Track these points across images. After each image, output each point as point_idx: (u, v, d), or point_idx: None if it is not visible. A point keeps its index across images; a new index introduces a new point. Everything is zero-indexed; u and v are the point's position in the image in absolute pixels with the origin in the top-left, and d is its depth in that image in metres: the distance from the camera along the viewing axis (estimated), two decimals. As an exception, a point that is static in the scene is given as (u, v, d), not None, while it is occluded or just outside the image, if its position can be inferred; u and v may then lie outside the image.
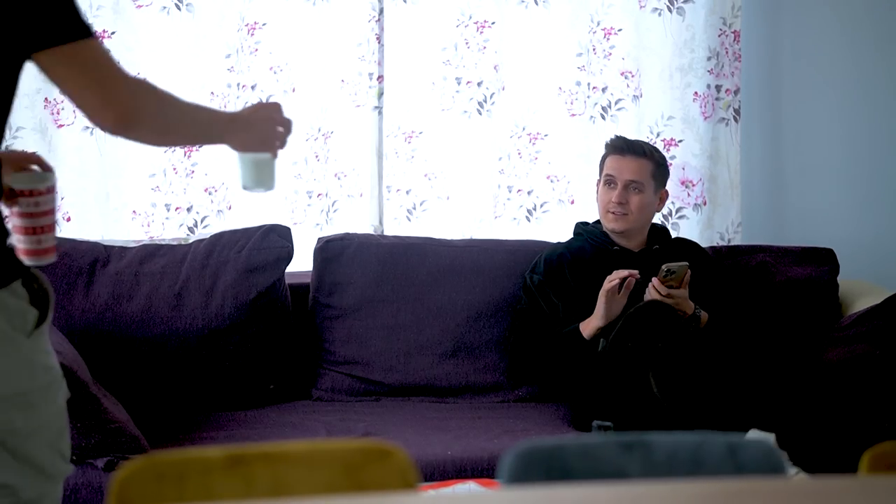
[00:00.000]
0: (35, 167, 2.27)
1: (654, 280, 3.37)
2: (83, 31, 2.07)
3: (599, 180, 3.61)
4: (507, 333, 3.63)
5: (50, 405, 2.09)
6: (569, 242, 3.65)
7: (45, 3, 2.03)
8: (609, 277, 3.38)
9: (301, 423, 3.37)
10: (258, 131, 2.34)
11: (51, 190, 2.19)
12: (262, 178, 2.38)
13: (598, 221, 3.65)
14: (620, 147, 3.57)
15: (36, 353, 2.07)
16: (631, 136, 3.73)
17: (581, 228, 3.67)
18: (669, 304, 3.34)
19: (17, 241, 2.17)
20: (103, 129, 2.10)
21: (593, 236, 3.61)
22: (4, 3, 2.01)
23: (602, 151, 4.04)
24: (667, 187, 3.63)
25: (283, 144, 2.37)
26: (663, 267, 3.37)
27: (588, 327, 3.41)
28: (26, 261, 2.14)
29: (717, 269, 3.66)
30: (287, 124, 2.37)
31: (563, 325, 3.48)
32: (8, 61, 2.05)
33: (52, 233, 2.20)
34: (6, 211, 2.16)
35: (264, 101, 2.32)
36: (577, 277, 3.53)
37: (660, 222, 3.87)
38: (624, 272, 3.37)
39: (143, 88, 2.14)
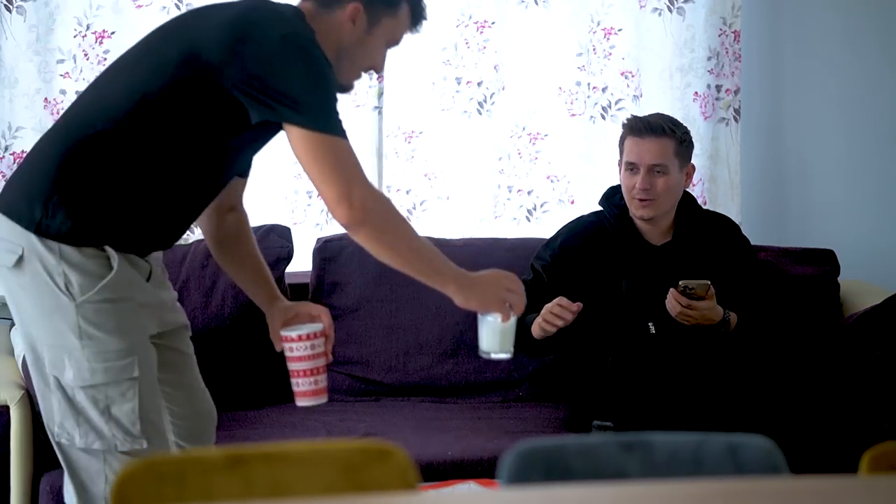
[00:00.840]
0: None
1: (673, 292, 3.22)
2: (330, 126, 2.41)
3: (620, 161, 3.39)
4: None
5: None
6: (590, 221, 3.43)
7: (303, 87, 2.39)
8: (549, 318, 3.12)
9: (301, 423, 3.37)
10: (483, 292, 2.54)
11: (318, 335, 2.57)
12: (504, 345, 2.57)
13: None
14: (638, 128, 3.35)
15: None
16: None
17: (606, 205, 3.44)
18: (692, 318, 3.19)
19: (294, 384, 2.56)
20: (338, 221, 2.43)
21: (616, 220, 3.40)
22: (273, 69, 2.38)
23: (603, 151, 4.05)
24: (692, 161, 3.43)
25: (513, 312, 2.55)
26: (680, 283, 3.20)
27: (536, 328, 3.21)
28: (303, 402, 2.58)
29: (749, 260, 3.47)
30: (518, 293, 2.56)
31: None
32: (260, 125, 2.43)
33: (325, 374, 2.57)
34: (287, 352, 2.57)
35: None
36: (591, 264, 3.37)
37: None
38: (559, 321, 3.10)
39: (381, 200, 2.47)
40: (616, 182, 3.49)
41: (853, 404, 3.34)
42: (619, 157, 3.42)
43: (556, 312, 3.13)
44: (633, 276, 3.34)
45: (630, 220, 3.40)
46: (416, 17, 2.69)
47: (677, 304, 3.20)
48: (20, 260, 2.39)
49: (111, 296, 2.40)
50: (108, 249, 2.41)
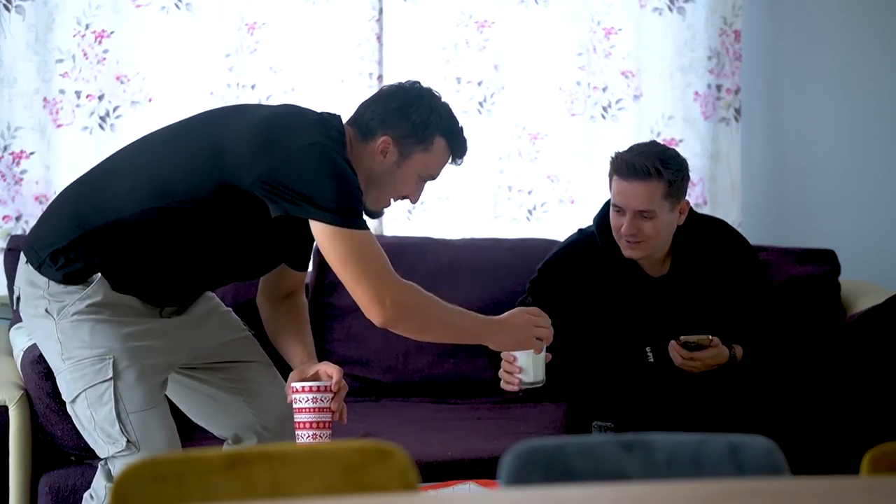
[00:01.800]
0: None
1: (674, 344, 3.10)
2: (352, 221, 2.53)
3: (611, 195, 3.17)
4: None
5: None
6: (587, 248, 3.22)
7: (317, 182, 2.51)
8: (507, 383, 2.88)
9: (301, 423, 3.37)
10: (515, 334, 2.74)
11: (323, 389, 2.63)
12: (537, 373, 2.80)
13: None
14: (623, 170, 3.08)
15: None
16: (635, 142, 3.27)
17: (600, 233, 3.21)
18: (696, 367, 3.10)
19: (297, 436, 2.63)
20: (372, 320, 2.62)
21: (609, 249, 3.19)
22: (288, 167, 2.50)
23: (603, 151, 4.04)
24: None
25: (544, 344, 2.74)
26: (681, 338, 3.09)
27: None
28: None
29: (756, 279, 3.28)
30: (546, 327, 2.73)
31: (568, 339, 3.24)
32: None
33: (328, 430, 2.66)
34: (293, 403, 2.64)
35: (518, 313, 2.80)
36: (588, 295, 3.20)
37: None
38: (512, 381, 2.86)
39: (411, 293, 2.62)
40: (583, 217, 3.42)
41: (854, 404, 3.33)
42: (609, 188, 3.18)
43: (507, 370, 2.88)
44: (629, 306, 3.21)
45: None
46: (455, 150, 2.77)
47: (679, 355, 3.10)
48: (19, 299, 2.64)
49: (84, 309, 2.53)
50: (94, 276, 2.55)
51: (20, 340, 3.13)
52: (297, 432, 2.64)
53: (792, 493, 1.62)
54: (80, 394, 2.53)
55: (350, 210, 2.55)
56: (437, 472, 3.09)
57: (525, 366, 2.82)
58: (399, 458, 1.73)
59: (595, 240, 3.23)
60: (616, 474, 1.70)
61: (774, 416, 3.16)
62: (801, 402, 3.29)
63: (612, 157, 3.15)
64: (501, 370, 2.90)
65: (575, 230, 3.34)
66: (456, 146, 2.76)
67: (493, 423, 3.45)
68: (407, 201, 2.80)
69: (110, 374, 2.52)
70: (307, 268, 2.95)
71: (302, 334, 2.88)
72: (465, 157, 2.81)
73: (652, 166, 3.06)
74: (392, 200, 2.77)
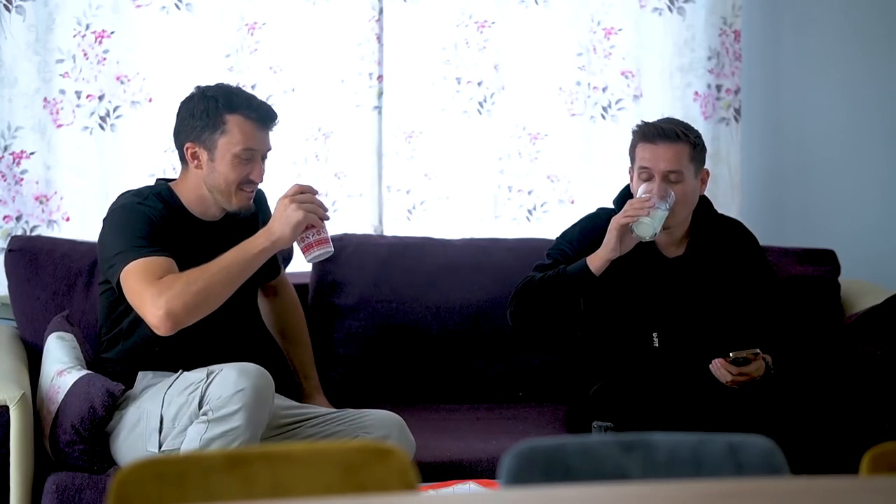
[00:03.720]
0: None
1: (722, 362, 3.12)
2: (124, 260, 2.89)
3: (632, 169, 3.27)
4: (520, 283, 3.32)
5: None
6: (608, 220, 3.22)
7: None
8: (626, 212, 3.10)
9: (301, 423, 3.37)
10: (282, 219, 2.91)
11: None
12: (657, 226, 3.12)
13: None
14: (651, 134, 3.21)
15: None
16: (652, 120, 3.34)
17: (620, 208, 3.24)
18: (742, 381, 3.12)
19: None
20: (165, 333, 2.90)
21: None
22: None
23: (603, 151, 4.04)
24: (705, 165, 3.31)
25: (322, 213, 2.97)
26: (731, 354, 3.11)
27: (597, 260, 3.15)
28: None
29: (768, 277, 3.38)
30: (310, 200, 2.93)
31: (583, 314, 3.31)
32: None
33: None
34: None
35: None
36: (603, 273, 3.20)
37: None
38: (638, 209, 3.09)
39: (170, 292, 2.83)
40: (619, 184, 3.44)
41: (853, 404, 3.33)
42: (630, 166, 3.29)
43: (637, 205, 3.11)
44: (642, 285, 3.26)
45: None
46: (252, 115, 2.98)
47: (727, 373, 3.12)
48: None
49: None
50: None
51: (65, 357, 3.10)
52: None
53: (792, 493, 1.62)
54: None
55: (128, 248, 2.91)
56: (437, 472, 3.09)
57: (655, 217, 3.10)
58: (399, 458, 1.73)
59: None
60: (616, 474, 1.70)
61: (774, 416, 3.15)
62: (801, 402, 3.29)
63: (636, 128, 3.28)
64: (627, 206, 3.12)
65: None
66: (249, 111, 2.97)
67: (492, 423, 3.45)
68: None
69: None
70: (278, 272, 3.34)
71: (302, 349, 3.36)
72: (270, 115, 3.03)
73: (678, 130, 3.23)
74: (237, 190, 3.01)
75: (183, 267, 2.93)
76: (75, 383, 2.99)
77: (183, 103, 3.06)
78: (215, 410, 2.81)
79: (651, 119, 3.35)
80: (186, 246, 2.99)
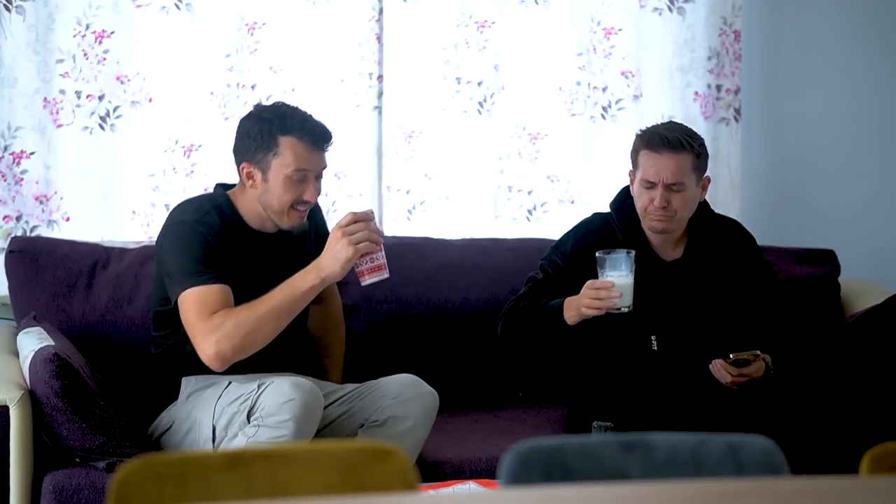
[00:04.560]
0: None
1: (723, 363, 3.13)
2: (182, 284, 2.96)
3: (633, 173, 3.25)
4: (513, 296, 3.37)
5: None
6: (601, 229, 3.29)
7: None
8: (593, 304, 3.04)
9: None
10: (333, 256, 2.93)
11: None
12: (630, 298, 3.05)
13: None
14: (655, 143, 3.18)
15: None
16: (656, 124, 3.32)
17: (617, 214, 3.30)
18: (744, 382, 3.13)
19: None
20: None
21: (627, 232, 3.27)
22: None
23: (603, 151, 4.04)
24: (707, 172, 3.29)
25: (369, 246, 2.96)
26: (731, 356, 3.12)
27: (571, 313, 3.12)
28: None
29: (766, 277, 3.39)
30: (361, 229, 2.94)
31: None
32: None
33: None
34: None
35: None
36: (597, 272, 3.19)
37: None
38: (603, 307, 3.03)
39: (221, 335, 2.90)
40: (619, 184, 3.44)
41: (853, 404, 3.33)
42: (631, 169, 3.27)
43: (599, 296, 3.03)
44: (640, 290, 3.19)
45: (641, 232, 3.27)
46: (304, 137, 3.01)
47: (727, 374, 3.13)
48: None
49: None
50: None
51: (29, 343, 3.13)
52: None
53: (792, 493, 1.62)
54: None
55: (186, 273, 2.97)
56: (437, 472, 3.10)
57: (622, 290, 3.02)
58: (399, 458, 1.73)
59: (610, 221, 3.31)
60: (616, 474, 1.70)
61: (774, 416, 3.15)
62: (801, 402, 3.29)
63: (640, 133, 3.25)
64: (587, 297, 3.04)
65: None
66: (302, 133, 3.00)
67: (492, 424, 3.45)
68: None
69: None
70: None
71: (333, 361, 3.38)
72: (323, 136, 3.05)
73: (683, 139, 3.19)
74: (290, 210, 3.05)
75: (240, 278, 3.00)
76: (29, 371, 3.03)
77: (241, 121, 3.10)
78: (265, 417, 2.86)
79: (652, 120, 3.35)
80: (244, 257, 3.06)
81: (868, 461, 1.74)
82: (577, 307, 3.10)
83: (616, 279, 3.02)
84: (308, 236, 3.17)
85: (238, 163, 3.06)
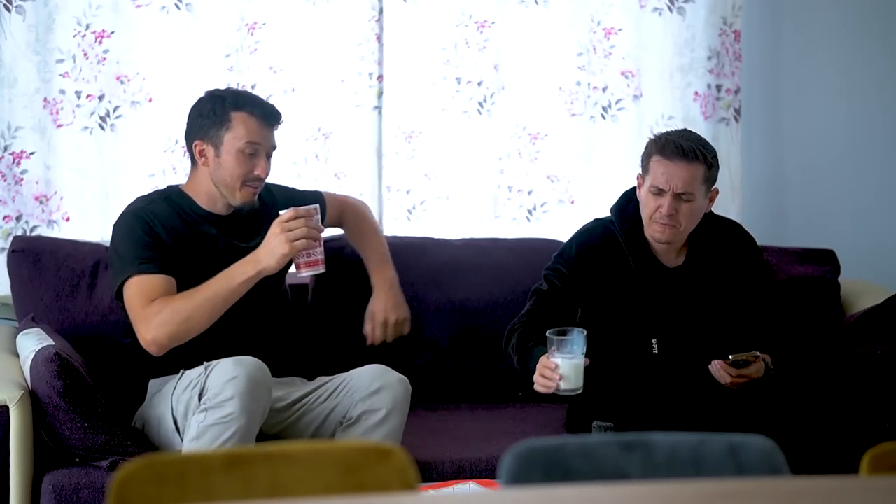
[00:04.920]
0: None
1: (722, 364, 3.12)
2: (125, 272, 3.08)
3: (641, 177, 3.23)
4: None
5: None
6: (602, 235, 3.28)
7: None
8: (539, 382, 3.00)
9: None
10: (269, 247, 3.05)
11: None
12: (577, 380, 2.96)
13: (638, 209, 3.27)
14: (670, 150, 3.14)
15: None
16: (634, 143, 3.32)
17: (618, 220, 3.28)
18: (743, 382, 3.13)
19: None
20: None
21: (629, 235, 3.26)
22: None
23: (603, 151, 4.04)
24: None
25: (292, 242, 3.04)
26: (731, 357, 3.10)
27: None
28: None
29: (767, 279, 3.37)
30: (300, 226, 3.03)
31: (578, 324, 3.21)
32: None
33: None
34: None
35: None
36: (601, 283, 3.24)
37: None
38: (549, 387, 2.97)
39: (156, 321, 3.01)
40: (619, 184, 3.44)
41: (853, 404, 3.33)
42: (640, 173, 3.24)
43: (544, 375, 2.98)
44: (642, 295, 3.23)
45: (643, 239, 3.25)
46: (255, 111, 3.16)
47: (727, 374, 3.12)
48: None
49: None
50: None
51: (29, 344, 3.13)
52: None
53: (792, 493, 1.62)
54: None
55: (129, 261, 3.08)
56: (437, 472, 3.09)
57: (566, 373, 2.93)
58: (399, 458, 1.73)
59: (612, 228, 3.28)
60: (616, 474, 1.70)
61: (774, 416, 3.15)
62: (801, 402, 3.29)
63: (654, 139, 3.22)
64: (538, 375, 2.99)
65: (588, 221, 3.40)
66: (253, 107, 3.15)
67: (492, 424, 3.44)
68: None
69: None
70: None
71: (365, 238, 3.55)
72: (273, 114, 3.19)
73: (697, 149, 3.16)
74: (243, 186, 3.17)
75: (190, 261, 3.11)
76: (31, 371, 3.04)
77: (193, 106, 3.24)
78: (212, 399, 2.90)
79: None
80: (194, 240, 3.16)
81: (868, 461, 1.74)
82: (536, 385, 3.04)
83: (562, 362, 2.92)
84: (263, 218, 3.21)
85: (190, 143, 3.21)
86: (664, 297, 3.24)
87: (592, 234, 3.30)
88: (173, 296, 3.05)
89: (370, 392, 3.08)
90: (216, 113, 3.16)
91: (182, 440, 2.98)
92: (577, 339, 2.94)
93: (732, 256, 3.33)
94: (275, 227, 3.06)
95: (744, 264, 3.33)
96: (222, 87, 3.48)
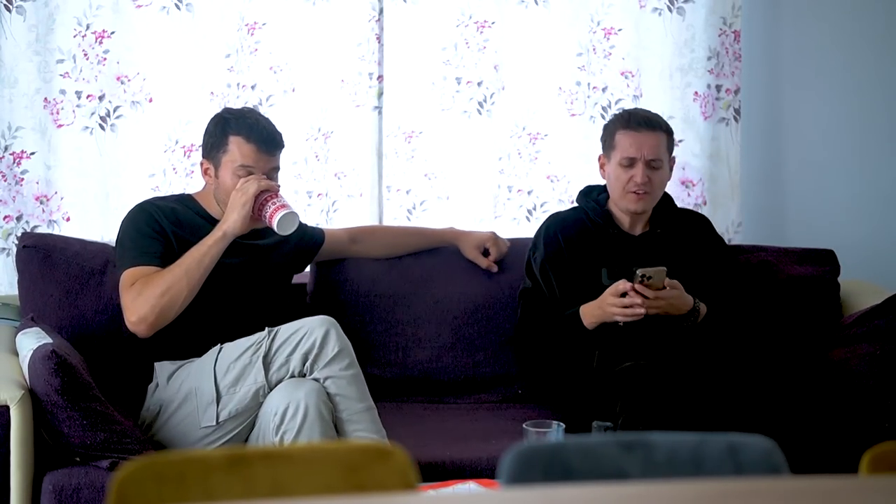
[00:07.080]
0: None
1: (639, 287, 3.24)
2: (120, 265, 3.19)
3: (605, 157, 3.49)
4: (517, 316, 3.55)
5: None
6: (568, 215, 3.55)
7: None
8: (625, 313, 3.24)
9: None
10: (226, 212, 3.17)
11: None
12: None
13: (604, 190, 3.55)
14: (636, 122, 3.43)
15: None
16: (626, 108, 3.58)
17: (583, 201, 3.56)
18: (660, 309, 3.26)
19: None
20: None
21: (595, 213, 3.50)
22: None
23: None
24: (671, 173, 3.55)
25: (248, 192, 3.15)
26: (637, 272, 3.23)
27: (588, 318, 3.33)
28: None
29: (722, 251, 3.60)
30: (247, 185, 3.16)
31: (562, 307, 3.42)
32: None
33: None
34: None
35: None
36: (574, 257, 3.46)
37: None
38: (633, 302, 3.22)
39: (135, 301, 3.10)
40: (595, 183, 3.60)
41: (853, 404, 3.33)
42: (602, 154, 3.50)
43: (629, 304, 3.23)
44: (612, 265, 3.41)
45: (609, 214, 3.50)
46: (249, 137, 3.24)
47: (643, 296, 3.23)
48: None
49: None
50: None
51: (28, 343, 3.13)
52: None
53: (792, 493, 1.62)
54: None
55: (129, 253, 3.17)
56: (437, 472, 3.09)
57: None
58: (399, 458, 1.73)
59: (575, 212, 3.55)
60: (616, 474, 1.70)
61: (774, 416, 3.16)
62: (801, 402, 3.29)
63: (618, 115, 3.52)
64: (617, 307, 3.22)
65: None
66: (249, 134, 3.24)
67: (492, 423, 3.44)
68: None
69: None
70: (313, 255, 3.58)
71: (406, 242, 3.70)
72: (270, 141, 3.25)
73: (657, 120, 3.47)
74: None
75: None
76: (29, 369, 3.04)
77: (208, 122, 3.35)
78: (323, 358, 3.08)
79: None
80: (199, 237, 3.21)
81: (868, 461, 1.74)
82: (598, 314, 3.29)
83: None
84: (287, 239, 3.32)
85: (201, 159, 3.33)
86: (634, 261, 3.38)
87: (556, 219, 3.56)
88: (152, 275, 3.13)
89: (318, 337, 3.11)
90: (217, 135, 3.28)
91: (218, 412, 3.05)
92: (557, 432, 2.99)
93: (692, 228, 3.56)
94: (233, 192, 3.18)
95: (702, 236, 3.56)
96: (235, 101, 3.69)
